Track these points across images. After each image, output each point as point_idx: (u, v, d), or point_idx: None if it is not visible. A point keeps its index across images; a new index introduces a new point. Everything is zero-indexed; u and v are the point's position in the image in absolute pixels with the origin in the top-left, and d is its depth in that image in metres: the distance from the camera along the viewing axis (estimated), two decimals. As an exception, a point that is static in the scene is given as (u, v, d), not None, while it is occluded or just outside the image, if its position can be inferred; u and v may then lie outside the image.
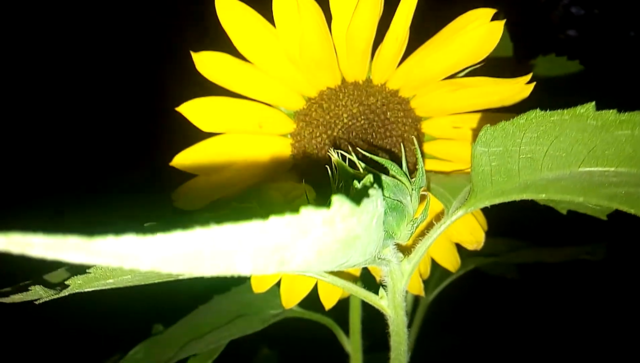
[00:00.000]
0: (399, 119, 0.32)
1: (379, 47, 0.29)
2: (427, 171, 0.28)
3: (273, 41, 0.30)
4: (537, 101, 0.25)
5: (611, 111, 0.19)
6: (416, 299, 0.59)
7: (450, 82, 0.30)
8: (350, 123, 0.32)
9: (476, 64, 0.29)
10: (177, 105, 0.30)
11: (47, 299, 0.23)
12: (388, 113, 0.32)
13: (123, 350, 0.47)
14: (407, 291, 0.28)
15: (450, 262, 0.35)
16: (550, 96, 0.23)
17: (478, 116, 0.31)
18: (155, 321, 0.52)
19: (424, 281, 0.57)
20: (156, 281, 0.26)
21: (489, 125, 0.21)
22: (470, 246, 0.34)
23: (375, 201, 0.16)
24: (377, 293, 0.28)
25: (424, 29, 0.30)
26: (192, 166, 0.31)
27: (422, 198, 0.24)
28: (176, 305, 0.49)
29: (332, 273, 0.28)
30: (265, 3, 0.29)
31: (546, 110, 0.20)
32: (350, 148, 0.25)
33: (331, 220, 0.13)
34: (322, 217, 0.13)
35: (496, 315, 0.80)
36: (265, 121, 0.32)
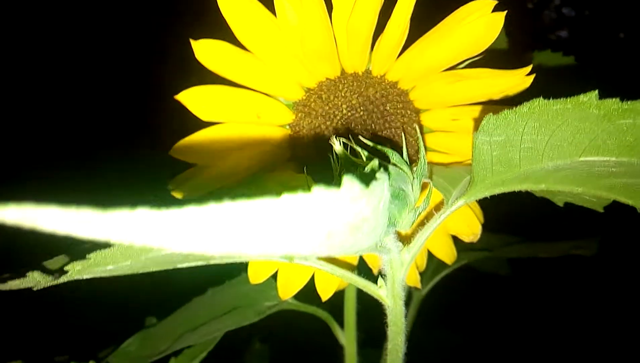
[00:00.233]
0: (398, 111, 0.32)
1: (379, 38, 0.29)
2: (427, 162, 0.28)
3: (273, 31, 0.29)
4: (538, 92, 0.25)
5: (614, 99, 0.19)
6: (409, 294, 0.59)
7: (450, 73, 0.30)
8: (349, 114, 0.32)
9: (476, 56, 0.30)
10: (176, 93, 0.29)
11: (45, 286, 0.23)
12: (387, 105, 0.32)
13: (116, 343, 0.47)
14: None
15: (447, 254, 0.36)
16: (550, 87, 0.23)
17: (477, 108, 0.31)
18: (148, 314, 0.51)
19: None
20: (154, 270, 0.26)
21: (491, 113, 0.22)
22: (467, 238, 0.34)
23: (382, 184, 0.16)
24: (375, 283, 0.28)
25: (424, 20, 0.30)
26: (190, 155, 0.31)
27: (424, 187, 0.24)
28: (170, 298, 0.49)
29: (331, 261, 0.28)
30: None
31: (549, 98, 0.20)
32: (350, 138, 0.25)
33: (341, 201, 0.13)
34: (332, 197, 0.13)
35: (488, 311, 0.81)
36: (263, 111, 0.32)
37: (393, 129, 0.31)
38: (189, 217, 0.11)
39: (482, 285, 0.78)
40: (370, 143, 0.24)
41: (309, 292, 0.43)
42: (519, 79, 0.27)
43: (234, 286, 0.46)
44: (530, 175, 0.24)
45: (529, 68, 0.27)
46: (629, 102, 0.19)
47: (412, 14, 0.28)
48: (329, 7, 0.29)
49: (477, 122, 0.23)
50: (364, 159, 0.22)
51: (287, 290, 0.35)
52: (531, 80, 0.27)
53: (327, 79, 0.32)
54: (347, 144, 0.24)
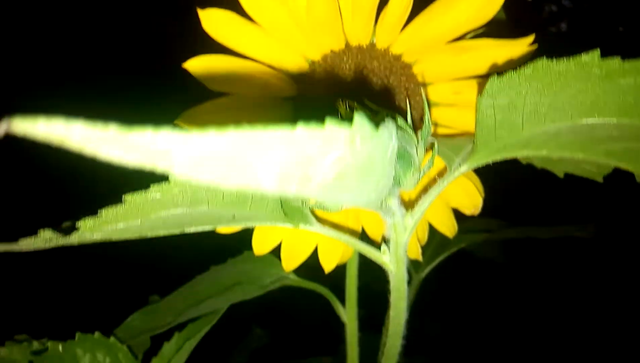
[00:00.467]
0: (402, 84, 0.33)
1: (383, 10, 0.30)
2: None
3: (280, 2, 0.30)
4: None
5: (615, 58, 0.20)
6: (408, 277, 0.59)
7: (453, 45, 0.30)
8: (353, 87, 0.32)
9: (478, 29, 0.30)
10: (183, 61, 0.30)
11: (57, 244, 0.24)
12: (391, 77, 0.32)
13: (119, 320, 0.47)
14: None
15: (448, 227, 0.36)
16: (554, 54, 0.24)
17: (480, 82, 0.31)
18: (151, 293, 0.52)
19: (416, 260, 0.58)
20: (162, 233, 0.27)
21: (495, 75, 0.22)
22: (468, 210, 0.35)
23: (391, 130, 0.16)
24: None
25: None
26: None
27: (428, 150, 0.25)
28: (172, 278, 0.49)
29: (335, 227, 0.28)
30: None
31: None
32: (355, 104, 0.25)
33: (352, 139, 0.14)
34: (344, 134, 0.14)
35: (484, 298, 0.82)
36: (268, 82, 0.32)
37: (397, 101, 0.32)
38: (210, 142, 0.12)
39: (477, 273, 0.79)
40: (375, 107, 0.25)
41: (310, 272, 0.44)
42: (522, 48, 0.28)
43: (236, 264, 0.47)
44: (532, 140, 0.25)
45: (531, 38, 0.28)
46: (630, 61, 0.20)
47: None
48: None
49: (482, 87, 0.23)
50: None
51: (291, 261, 0.35)
52: (533, 50, 0.28)
53: (331, 51, 0.32)
54: (353, 108, 0.24)
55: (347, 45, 0.32)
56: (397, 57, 0.32)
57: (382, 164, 0.16)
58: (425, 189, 0.28)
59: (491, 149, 0.25)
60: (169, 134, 0.11)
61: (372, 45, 0.32)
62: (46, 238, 0.23)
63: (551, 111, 0.23)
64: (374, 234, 0.35)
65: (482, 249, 0.72)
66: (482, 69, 0.30)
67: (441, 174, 0.28)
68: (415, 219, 0.27)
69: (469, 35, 0.30)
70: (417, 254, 0.36)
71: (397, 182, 0.23)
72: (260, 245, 0.34)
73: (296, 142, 0.13)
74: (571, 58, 0.20)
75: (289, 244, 0.34)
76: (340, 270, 0.46)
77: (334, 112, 0.25)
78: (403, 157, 0.23)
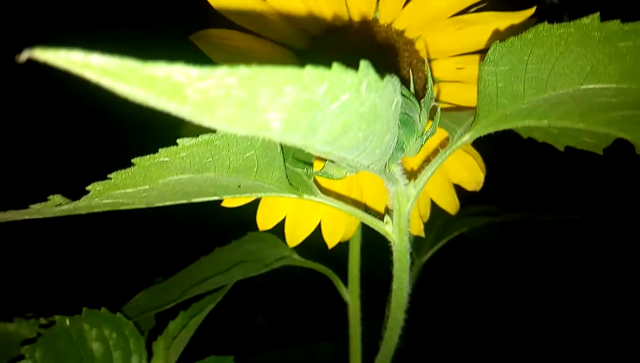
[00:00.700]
0: (405, 60, 0.33)
1: (387, -15, 0.30)
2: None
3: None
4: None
5: (615, 21, 0.20)
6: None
7: (455, 20, 0.31)
8: (355, 62, 0.33)
9: (480, 3, 0.30)
10: (189, 34, 0.30)
11: (68, 210, 0.24)
12: (394, 53, 0.33)
13: (123, 302, 0.48)
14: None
15: (450, 204, 0.36)
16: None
17: (482, 57, 0.32)
18: (155, 276, 0.52)
19: (418, 244, 0.59)
20: (169, 202, 0.27)
21: (497, 42, 0.22)
22: (470, 186, 0.35)
23: (395, 85, 0.16)
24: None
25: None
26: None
27: (431, 116, 0.25)
28: (175, 262, 0.50)
29: (339, 198, 0.29)
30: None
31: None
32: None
33: (359, 85, 0.14)
34: (350, 79, 0.14)
35: (485, 284, 0.82)
36: (270, 58, 0.33)
37: (400, 76, 0.32)
38: (222, 78, 0.12)
39: (478, 259, 0.80)
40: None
41: (314, 255, 0.44)
42: (524, 19, 0.28)
43: (240, 245, 0.47)
44: (534, 110, 0.25)
45: (533, 9, 0.28)
46: (630, 24, 0.20)
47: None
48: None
49: (484, 55, 0.24)
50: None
51: (295, 237, 0.36)
52: (535, 21, 0.28)
53: (334, 26, 0.33)
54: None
55: (350, 20, 0.33)
56: (400, 33, 0.33)
57: (386, 117, 0.17)
58: (427, 160, 0.28)
59: (493, 119, 0.26)
60: (184, 68, 0.11)
61: (375, 20, 0.33)
62: (56, 202, 0.24)
63: (552, 77, 0.23)
64: (377, 207, 0.35)
65: (483, 234, 0.72)
66: (485, 43, 0.31)
67: (444, 145, 0.28)
68: (417, 189, 0.27)
69: (471, 10, 0.31)
70: (419, 230, 0.37)
71: (400, 147, 0.24)
72: (265, 220, 0.34)
73: (305, 82, 0.13)
74: (572, 22, 0.21)
75: (293, 219, 0.35)
76: (343, 252, 0.46)
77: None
78: (406, 123, 0.23)
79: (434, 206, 0.37)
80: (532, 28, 0.22)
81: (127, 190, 0.23)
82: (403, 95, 0.24)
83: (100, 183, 0.23)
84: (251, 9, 0.31)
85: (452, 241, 0.58)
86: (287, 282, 0.77)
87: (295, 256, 0.45)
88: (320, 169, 0.26)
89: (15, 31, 0.81)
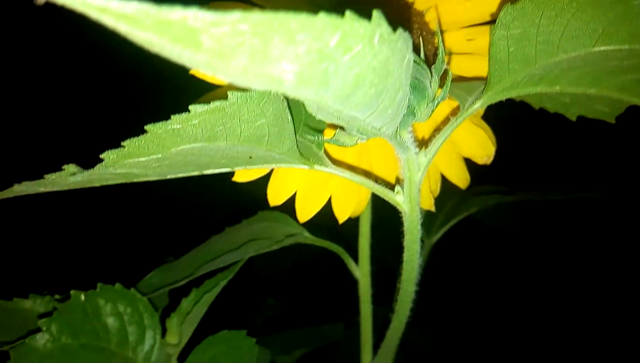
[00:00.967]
0: (415, 31, 0.33)
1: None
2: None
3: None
4: None
5: (628, -21, 0.20)
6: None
7: (465, -11, 0.30)
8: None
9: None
10: None
11: (80, 179, 0.24)
12: (404, 25, 0.33)
13: (136, 280, 0.48)
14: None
15: (460, 178, 0.36)
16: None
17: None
18: (167, 256, 0.53)
19: (428, 225, 0.59)
20: (181, 174, 0.27)
21: (509, 4, 0.22)
22: (481, 160, 0.35)
23: (406, 39, 0.16)
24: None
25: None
26: None
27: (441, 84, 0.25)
28: (186, 243, 0.50)
29: (349, 168, 0.29)
30: None
31: None
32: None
33: (371, 35, 0.14)
34: (363, 28, 0.14)
35: (495, 266, 0.82)
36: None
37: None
38: (235, 24, 0.12)
39: (487, 241, 0.80)
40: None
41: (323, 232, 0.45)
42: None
43: (251, 224, 0.48)
44: (545, 76, 0.25)
45: (544, -25, 0.28)
46: (643, -18, 0.20)
47: None
48: None
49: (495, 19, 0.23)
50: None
51: (306, 211, 0.36)
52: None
53: (343, -2, 0.32)
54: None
55: (360, -7, 0.33)
56: (409, 5, 0.32)
57: (398, 74, 0.17)
58: (438, 130, 0.28)
59: (504, 85, 0.26)
60: (198, 12, 0.12)
61: (384, -8, 0.32)
62: (71, 172, 0.24)
63: (564, 40, 0.23)
64: (387, 175, 0.35)
65: (494, 217, 0.72)
66: (495, 13, 0.31)
67: (454, 114, 0.28)
68: (428, 157, 0.27)
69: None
70: (430, 205, 0.37)
71: (411, 112, 0.24)
72: (276, 195, 0.35)
73: (317, 30, 0.13)
74: (584, -19, 0.21)
75: (304, 193, 0.35)
76: (353, 232, 0.46)
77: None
78: (417, 88, 0.23)
79: (444, 187, 0.37)
80: (543, -11, 0.21)
81: (140, 158, 0.24)
82: (414, 61, 0.24)
83: (113, 151, 0.23)
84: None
85: (463, 223, 0.58)
86: (297, 265, 0.77)
87: (306, 233, 0.45)
88: (332, 137, 0.26)
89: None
